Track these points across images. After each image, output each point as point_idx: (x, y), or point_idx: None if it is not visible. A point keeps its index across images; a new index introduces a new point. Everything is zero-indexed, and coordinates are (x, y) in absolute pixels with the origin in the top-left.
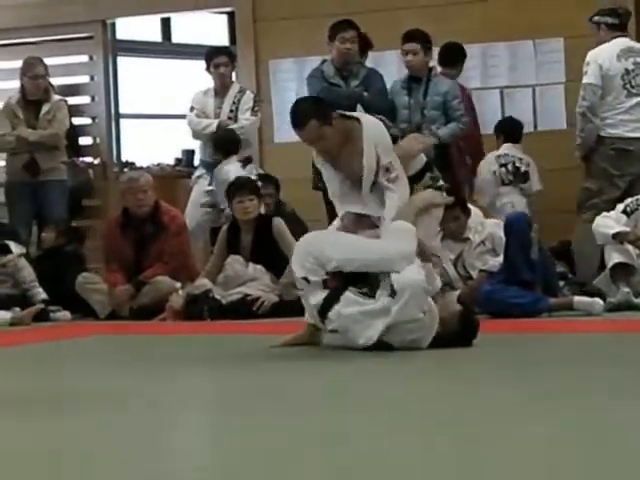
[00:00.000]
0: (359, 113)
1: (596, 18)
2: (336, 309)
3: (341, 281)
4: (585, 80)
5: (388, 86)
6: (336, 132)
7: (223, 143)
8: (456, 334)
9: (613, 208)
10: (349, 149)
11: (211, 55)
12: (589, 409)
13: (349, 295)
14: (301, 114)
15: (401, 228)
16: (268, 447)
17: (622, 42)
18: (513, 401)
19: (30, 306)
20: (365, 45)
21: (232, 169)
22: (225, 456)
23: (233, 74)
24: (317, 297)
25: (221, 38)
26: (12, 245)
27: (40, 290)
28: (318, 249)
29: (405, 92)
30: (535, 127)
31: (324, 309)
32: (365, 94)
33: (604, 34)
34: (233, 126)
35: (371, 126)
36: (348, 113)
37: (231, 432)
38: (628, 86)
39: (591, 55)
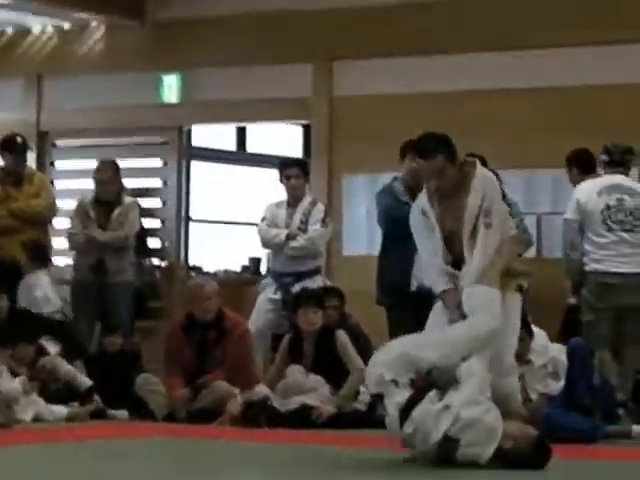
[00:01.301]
0: (474, 160)
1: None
2: (418, 408)
3: (427, 383)
4: (564, 215)
5: None
6: (456, 172)
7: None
8: (529, 457)
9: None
10: (460, 193)
11: (283, 166)
12: None
13: (431, 396)
14: (431, 146)
15: (489, 300)
16: None
17: (610, 179)
18: None
19: (81, 398)
20: None
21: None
22: None
23: (306, 186)
24: (403, 395)
25: (296, 150)
26: (48, 344)
27: (83, 378)
28: (414, 350)
29: None
30: None
31: (407, 407)
32: None
33: (600, 170)
34: (302, 237)
35: (484, 173)
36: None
37: None
38: (608, 221)
39: (575, 191)
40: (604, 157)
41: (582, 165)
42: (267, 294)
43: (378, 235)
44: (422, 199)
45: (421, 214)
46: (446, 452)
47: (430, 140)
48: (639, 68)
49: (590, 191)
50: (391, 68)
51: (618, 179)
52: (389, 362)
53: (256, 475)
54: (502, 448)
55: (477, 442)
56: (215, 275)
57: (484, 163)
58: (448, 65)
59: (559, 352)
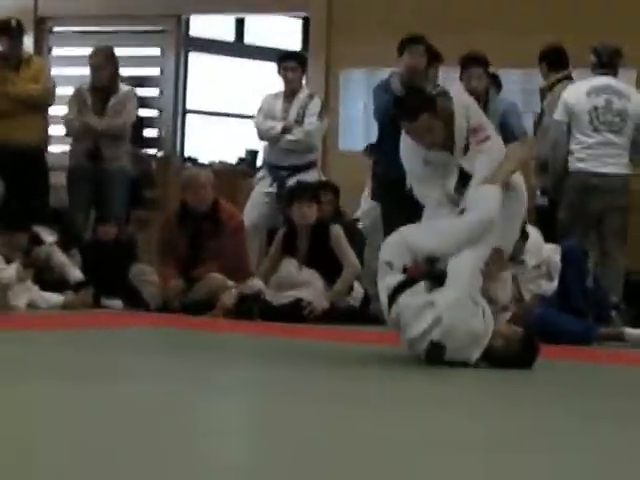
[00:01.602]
0: (446, 88)
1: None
2: (404, 295)
3: (422, 274)
4: (553, 116)
5: None
6: (442, 122)
7: None
8: (517, 356)
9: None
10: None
11: (281, 58)
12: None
13: (421, 285)
14: (414, 106)
15: (486, 195)
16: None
17: (598, 80)
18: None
19: (68, 288)
20: (433, 57)
21: None
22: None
23: (303, 79)
24: (394, 279)
25: (294, 42)
26: (44, 233)
27: (74, 271)
28: (412, 237)
29: None
30: None
31: (395, 292)
32: None
33: (591, 71)
34: (298, 129)
35: (461, 101)
36: (439, 92)
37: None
38: (595, 122)
39: (564, 92)
40: (593, 58)
41: (552, 61)
42: (262, 187)
43: (374, 131)
44: (419, 150)
45: (424, 164)
46: (434, 356)
47: (411, 100)
48: None
49: (578, 92)
50: None
51: (607, 80)
52: (389, 245)
53: (247, 364)
54: (492, 347)
55: (462, 347)
56: (210, 166)
57: (486, 62)
58: None
59: (553, 252)
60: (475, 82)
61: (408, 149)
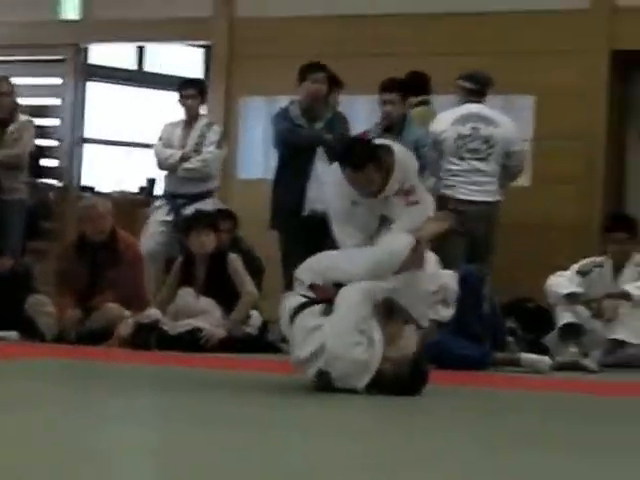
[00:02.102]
0: (389, 142)
1: (458, 81)
2: (301, 315)
3: (327, 296)
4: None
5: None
6: (383, 175)
7: None
8: (405, 381)
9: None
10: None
11: (181, 86)
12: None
13: (317, 308)
14: (360, 156)
15: (401, 239)
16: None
17: (468, 107)
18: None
19: None
20: (333, 84)
21: None
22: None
23: (203, 107)
24: (295, 300)
25: (196, 71)
26: None
27: None
28: (328, 262)
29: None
30: None
31: (296, 311)
32: (327, 136)
33: (461, 97)
34: (196, 158)
35: (400, 159)
36: (380, 143)
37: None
38: (461, 150)
39: (433, 121)
40: (469, 85)
41: (413, 86)
42: (158, 216)
43: (274, 159)
44: (349, 190)
45: (351, 204)
46: (322, 383)
47: (359, 150)
48: None
49: (445, 121)
50: None
51: (475, 108)
52: (306, 264)
53: (144, 394)
54: (381, 372)
55: (348, 374)
56: (109, 195)
57: (402, 88)
58: None
59: (450, 279)
60: (389, 107)
61: (338, 188)
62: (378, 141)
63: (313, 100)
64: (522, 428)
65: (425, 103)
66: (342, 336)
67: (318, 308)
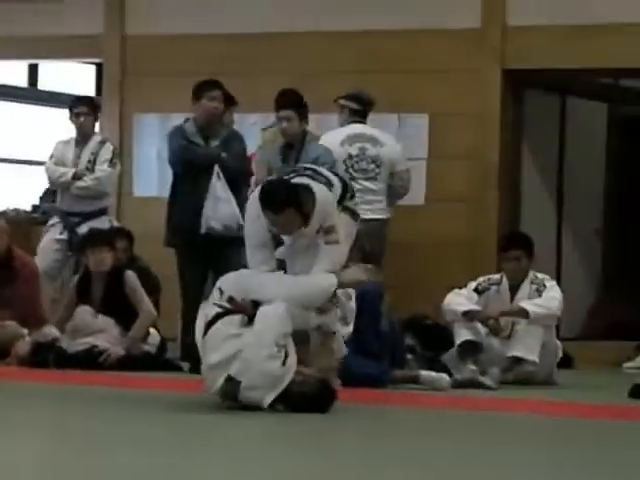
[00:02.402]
0: (308, 182)
1: (342, 101)
2: (217, 323)
3: (243, 310)
4: None
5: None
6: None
7: None
8: (313, 397)
9: None
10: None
11: (72, 104)
12: None
13: (237, 318)
14: (280, 200)
15: (327, 277)
16: None
17: (354, 128)
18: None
19: None
20: (228, 101)
21: None
22: None
23: (96, 125)
24: (212, 310)
25: (88, 88)
26: None
27: None
28: (252, 280)
29: (280, 157)
30: None
31: (212, 322)
32: (223, 155)
33: (345, 117)
34: (89, 176)
35: (321, 200)
36: (299, 183)
37: None
38: (351, 170)
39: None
40: (355, 105)
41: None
42: (52, 234)
43: (169, 177)
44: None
45: (267, 230)
46: (229, 392)
47: (279, 193)
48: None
49: (333, 141)
50: (185, 6)
51: (361, 128)
52: (229, 277)
53: (41, 413)
54: (290, 386)
55: (257, 386)
56: (4, 214)
57: (298, 105)
58: (243, 4)
59: (347, 297)
60: (285, 124)
61: (255, 214)
62: (297, 180)
63: (209, 118)
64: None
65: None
66: (261, 347)
67: (238, 318)
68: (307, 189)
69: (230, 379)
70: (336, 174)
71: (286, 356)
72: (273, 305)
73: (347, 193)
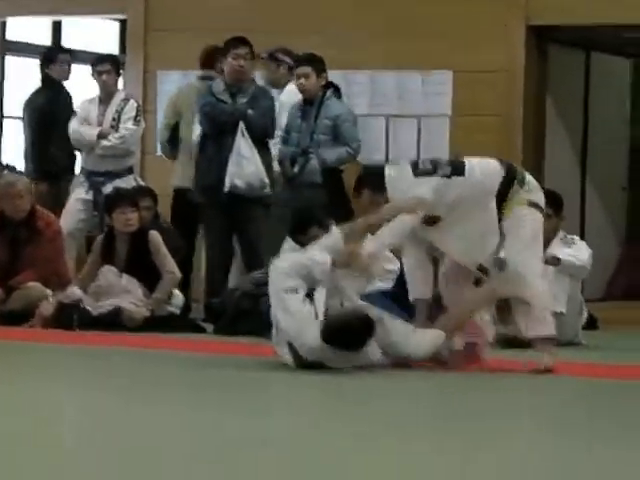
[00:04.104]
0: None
1: (280, 55)
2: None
3: None
4: None
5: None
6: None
7: None
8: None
9: None
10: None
11: (95, 62)
12: None
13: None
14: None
15: None
16: None
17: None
18: None
19: None
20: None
21: None
22: None
23: (119, 82)
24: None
25: (112, 45)
26: None
27: None
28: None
29: (299, 115)
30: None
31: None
32: (250, 112)
33: (285, 74)
34: (114, 135)
35: None
36: None
37: None
38: None
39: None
40: (290, 62)
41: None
42: (78, 194)
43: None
44: None
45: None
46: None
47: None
48: None
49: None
50: None
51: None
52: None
53: (69, 376)
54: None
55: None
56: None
57: (315, 62)
58: None
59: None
60: (302, 80)
61: None
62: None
63: (235, 75)
64: None
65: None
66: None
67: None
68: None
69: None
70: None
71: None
72: None
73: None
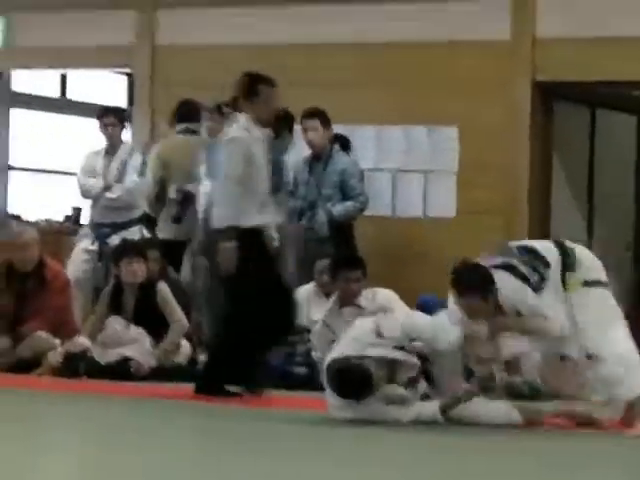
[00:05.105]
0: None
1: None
2: None
3: None
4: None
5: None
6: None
7: None
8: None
9: None
10: None
11: (100, 114)
12: None
13: None
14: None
15: None
16: None
17: None
18: None
19: None
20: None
21: None
22: None
23: (124, 134)
24: None
25: (120, 98)
26: None
27: None
28: None
29: (307, 169)
30: (424, 213)
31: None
32: None
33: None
34: (118, 187)
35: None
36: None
37: None
38: None
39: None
40: None
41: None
42: (83, 245)
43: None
44: None
45: None
46: None
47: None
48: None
49: None
50: (214, 17)
51: None
52: None
53: (75, 424)
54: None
55: None
56: (36, 224)
57: (322, 116)
58: (271, 16)
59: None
60: (311, 134)
61: None
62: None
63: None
64: None
65: (192, 132)
66: None
67: None
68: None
69: None
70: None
71: None
72: None
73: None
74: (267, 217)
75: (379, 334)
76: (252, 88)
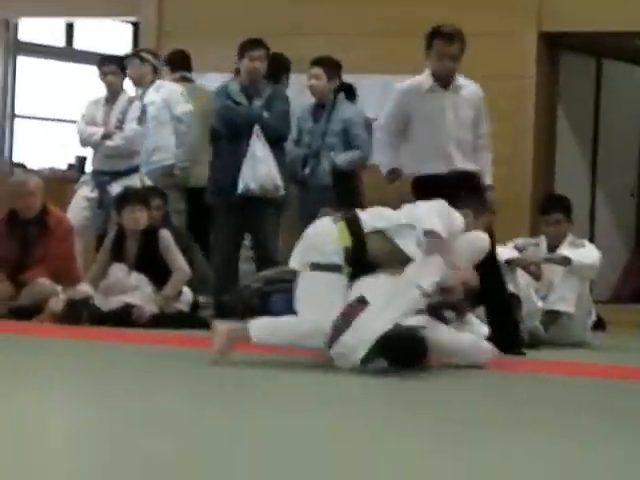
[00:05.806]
0: None
1: (144, 54)
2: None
3: None
4: None
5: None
6: None
7: None
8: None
9: None
10: None
11: (101, 63)
12: None
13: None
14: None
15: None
16: None
17: None
18: None
19: None
20: (281, 66)
21: None
22: None
23: (125, 83)
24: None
25: (125, 47)
26: None
27: None
28: None
29: (311, 117)
30: None
31: None
32: (265, 114)
33: (147, 71)
34: (118, 135)
35: None
36: None
37: None
38: None
39: None
40: None
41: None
42: (83, 192)
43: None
44: None
45: None
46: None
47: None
48: None
49: None
50: None
51: None
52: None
53: (74, 368)
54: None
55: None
56: (39, 172)
57: (327, 63)
58: None
59: None
60: (313, 81)
61: None
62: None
63: (251, 77)
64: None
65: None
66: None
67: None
68: None
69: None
70: None
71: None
72: None
73: None
74: None
75: (425, 294)
76: None
